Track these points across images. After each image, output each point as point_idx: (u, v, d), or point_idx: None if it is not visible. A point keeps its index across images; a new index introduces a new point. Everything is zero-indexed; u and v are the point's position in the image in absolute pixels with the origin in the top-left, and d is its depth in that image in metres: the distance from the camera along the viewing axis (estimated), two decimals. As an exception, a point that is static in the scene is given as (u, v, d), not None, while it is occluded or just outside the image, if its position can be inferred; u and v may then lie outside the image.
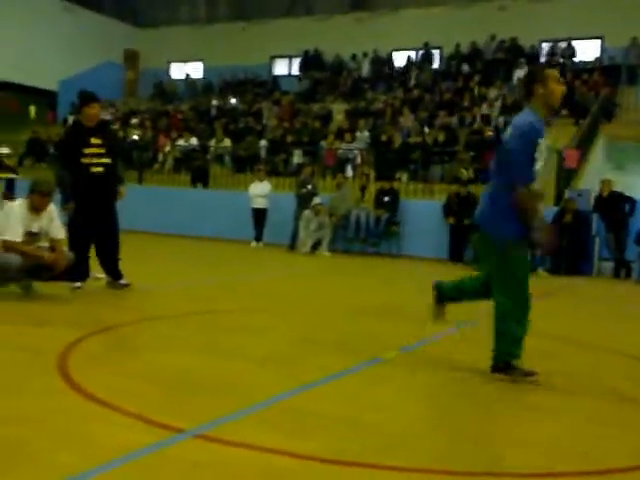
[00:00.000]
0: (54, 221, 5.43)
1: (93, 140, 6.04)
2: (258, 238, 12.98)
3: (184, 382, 3.33)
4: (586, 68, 17.09)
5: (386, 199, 12.43)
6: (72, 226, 5.97)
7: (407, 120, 15.86)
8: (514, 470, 2.48)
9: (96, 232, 6.09)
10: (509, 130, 3.64)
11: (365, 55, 20.31)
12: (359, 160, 15.01)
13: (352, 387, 3.45)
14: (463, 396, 3.42)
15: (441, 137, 14.33)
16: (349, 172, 14.58)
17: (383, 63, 20.16)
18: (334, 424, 2.83)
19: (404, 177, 13.81)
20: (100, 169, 6.02)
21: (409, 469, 2.39)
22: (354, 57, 20.55)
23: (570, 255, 10.72)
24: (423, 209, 12.36)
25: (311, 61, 21.26)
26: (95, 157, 6.02)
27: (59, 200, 5.91)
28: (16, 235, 5.19)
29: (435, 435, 2.82)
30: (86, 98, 6.19)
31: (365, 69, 20.10)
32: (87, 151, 5.99)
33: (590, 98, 15.15)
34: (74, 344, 3.90)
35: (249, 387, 3.32)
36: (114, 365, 3.60)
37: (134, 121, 19.14)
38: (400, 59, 20.31)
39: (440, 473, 2.40)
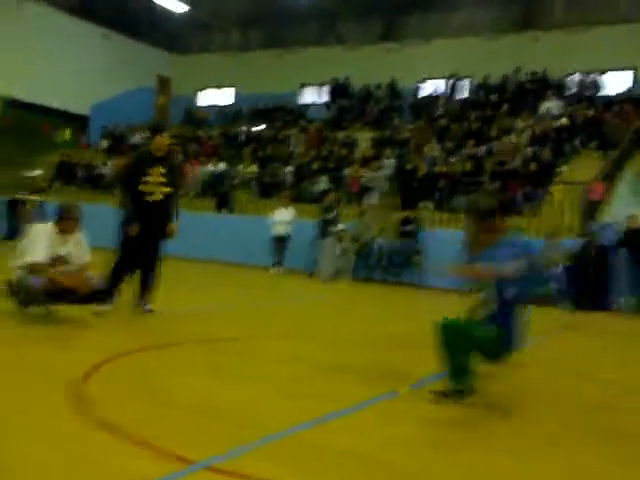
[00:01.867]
0: (81, 245, 5.52)
1: (157, 169, 6.19)
2: (279, 264, 12.98)
3: (200, 410, 3.34)
4: (617, 100, 16.95)
5: (409, 228, 12.42)
6: (123, 248, 6.14)
7: (432, 149, 15.88)
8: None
9: (142, 258, 6.24)
10: None
11: (390, 84, 20.51)
12: (384, 188, 15.05)
13: (367, 421, 3.43)
14: (479, 433, 3.38)
15: (467, 166, 14.31)
16: (374, 200, 14.61)
17: (407, 93, 20.31)
18: (347, 460, 2.81)
19: (429, 206, 13.79)
20: (158, 197, 6.17)
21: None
22: (379, 86, 20.78)
23: (594, 289, 10.55)
24: (447, 239, 12.27)
25: (340, 89, 21.48)
26: (155, 185, 6.16)
27: (122, 221, 6.12)
28: (41, 257, 5.28)
29: (449, 475, 2.79)
30: (158, 127, 6.47)
31: (389, 98, 20.29)
32: (150, 179, 6.15)
33: (620, 130, 14.96)
34: (93, 369, 3.94)
35: (264, 417, 3.32)
36: (132, 391, 3.64)
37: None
38: (429, 88, 20.42)
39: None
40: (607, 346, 7.24)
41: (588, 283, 10.52)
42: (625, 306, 10.85)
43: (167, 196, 6.23)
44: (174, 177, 6.40)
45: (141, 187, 6.12)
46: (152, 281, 6.35)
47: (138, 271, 6.32)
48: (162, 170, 6.20)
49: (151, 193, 6.13)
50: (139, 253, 6.18)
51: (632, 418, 3.93)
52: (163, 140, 6.29)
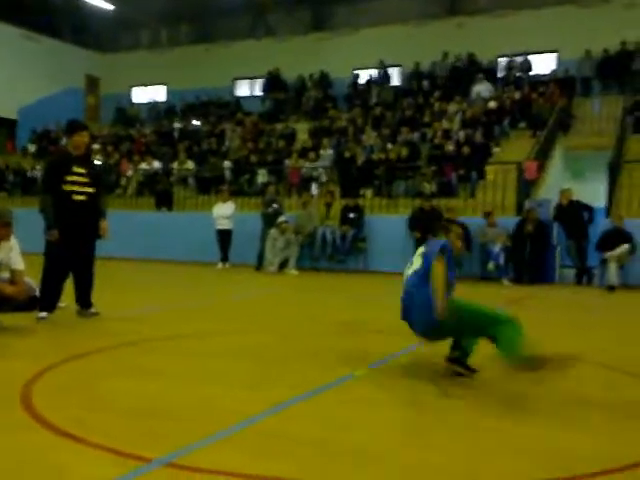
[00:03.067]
0: (13, 251, 5.30)
1: (77, 169, 5.97)
2: (224, 259, 12.91)
3: (153, 410, 3.28)
4: (542, 81, 17.51)
5: (351, 216, 12.51)
6: (49, 254, 5.90)
7: (370, 137, 16.03)
8: (486, 481, 2.50)
9: (74, 261, 6.02)
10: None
11: (322, 75, 20.59)
12: (324, 178, 15.11)
13: (324, 406, 3.44)
14: (434, 411, 3.44)
15: (404, 153, 14.50)
16: (314, 190, 14.65)
17: (340, 82, 20.44)
18: (306, 445, 2.82)
19: (368, 193, 13.92)
20: (82, 197, 5.96)
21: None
22: (311, 77, 20.83)
23: (532, 264, 10.92)
24: (388, 224, 12.46)
25: (274, 82, 21.39)
26: (77, 185, 5.95)
27: (44, 226, 5.88)
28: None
29: (407, 452, 2.82)
30: (75, 126, 6.14)
31: (322, 89, 20.38)
32: (70, 179, 5.92)
33: (547, 110, 15.51)
34: (39, 375, 3.81)
35: (219, 411, 3.29)
36: (80, 396, 3.53)
37: (95, 146, 18.97)
38: (363, 77, 20.58)
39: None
40: (551, 318, 7.49)
41: (527, 258, 10.88)
42: (564, 278, 11.30)
43: (92, 195, 6.04)
44: (96, 176, 6.21)
45: (64, 187, 5.90)
46: (89, 282, 6.17)
47: (73, 274, 6.10)
48: (82, 170, 6.00)
49: (76, 193, 5.93)
50: (69, 256, 5.95)
51: (587, 386, 4.09)
52: (81, 138, 6.04)
